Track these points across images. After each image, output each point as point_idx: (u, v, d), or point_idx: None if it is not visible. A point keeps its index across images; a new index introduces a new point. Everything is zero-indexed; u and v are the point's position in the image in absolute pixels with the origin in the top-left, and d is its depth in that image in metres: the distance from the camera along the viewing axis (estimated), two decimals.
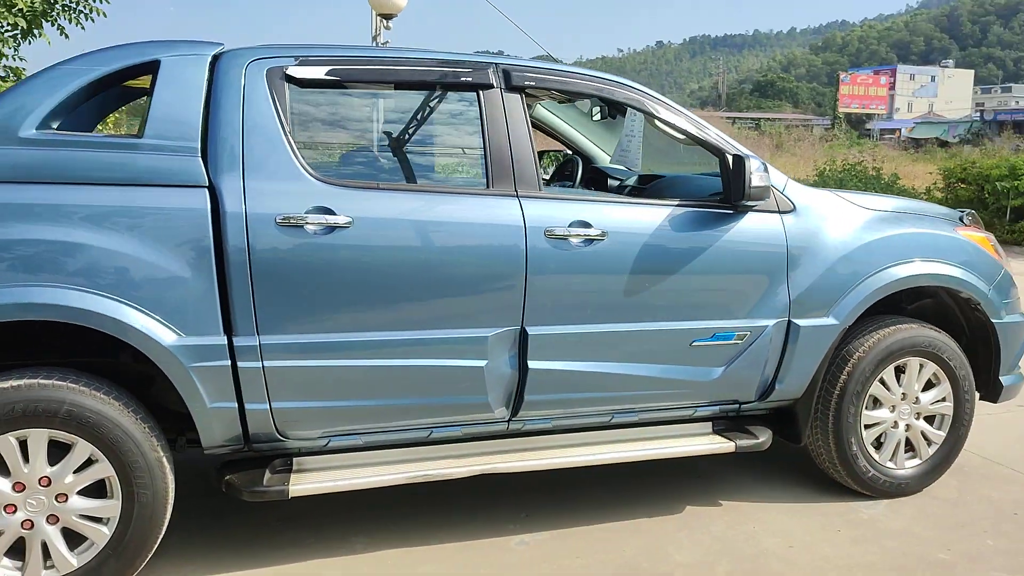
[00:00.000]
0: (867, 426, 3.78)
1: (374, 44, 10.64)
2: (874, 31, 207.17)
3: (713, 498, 3.87)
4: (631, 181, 4.56)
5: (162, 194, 2.81)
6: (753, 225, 3.49)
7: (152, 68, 2.95)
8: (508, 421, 3.34)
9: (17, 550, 2.76)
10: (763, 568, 3.25)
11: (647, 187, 4.28)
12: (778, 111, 69.57)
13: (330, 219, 2.93)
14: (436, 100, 3.77)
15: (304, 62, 3.07)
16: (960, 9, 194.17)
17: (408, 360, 3.08)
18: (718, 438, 3.62)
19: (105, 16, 9.13)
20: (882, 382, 3.78)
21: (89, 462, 2.79)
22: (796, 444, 3.85)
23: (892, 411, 3.82)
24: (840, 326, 3.62)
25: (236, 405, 2.92)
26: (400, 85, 3.38)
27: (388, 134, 3.98)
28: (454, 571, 3.21)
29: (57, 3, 8.68)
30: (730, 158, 3.40)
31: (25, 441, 2.71)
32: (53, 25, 8.81)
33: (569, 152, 5.16)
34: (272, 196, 2.90)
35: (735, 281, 3.48)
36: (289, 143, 2.98)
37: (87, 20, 9.00)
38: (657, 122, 3.59)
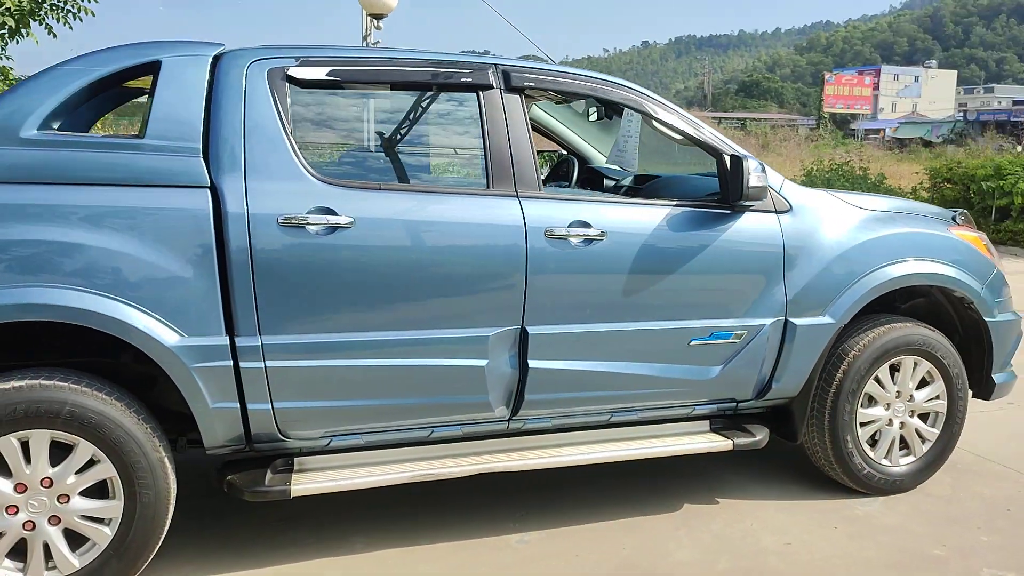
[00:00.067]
0: (862, 424, 3.81)
1: (364, 44, 10.63)
2: (858, 31, 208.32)
3: (710, 496, 3.90)
4: (627, 181, 4.58)
5: (164, 194, 2.81)
6: (750, 225, 3.52)
7: (153, 69, 2.95)
8: (508, 420, 3.35)
9: (19, 551, 2.75)
10: (762, 565, 3.27)
11: (643, 187, 4.30)
12: (764, 111, 69.84)
13: (332, 219, 2.93)
14: (436, 101, 3.78)
15: (305, 63, 3.08)
16: (943, 10, 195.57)
17: (409, 360, 3.09)
18: (716, 436, 3.65)
19: (93, 15, 9.08)
20: (877, 380, 3.81)
21: (91, 463, 2.79)
22: (792, 442, 3.88)
23: (887, 409, 3.86)
24: (836, 325, 3.65)
25: (238, 405, 2.93)
26: (400, 86, 3.39)
27: (389, 135, 3.99)
28: (454, 570, 3.22)
29: (45, 2, 8.63)
30: (728, 158, 3.42)
31: (27, 442, 2.71)
32: (41, 24, 8.76)
33: (564, 152, 5.18)
34: (274, 196, 2.90)
35: (733, 280, 3.51)
36: (290, 143, 2.98)
37: (75, 20, 8.95)
38: (655, 123, 3.61)
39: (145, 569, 2.96)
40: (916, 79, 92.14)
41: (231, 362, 2.87)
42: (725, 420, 3.78)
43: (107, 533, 2.83)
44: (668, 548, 3.40)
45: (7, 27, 8.29)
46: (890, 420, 3.88)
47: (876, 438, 3.88)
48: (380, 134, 4.04)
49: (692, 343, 3.47)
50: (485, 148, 3.23)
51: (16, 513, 2.72)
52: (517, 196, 3.21)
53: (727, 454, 3.86)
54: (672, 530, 3.56)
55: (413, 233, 3.06)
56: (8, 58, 8.96)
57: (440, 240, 3.09)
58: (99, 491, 2.83)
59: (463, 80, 3.27)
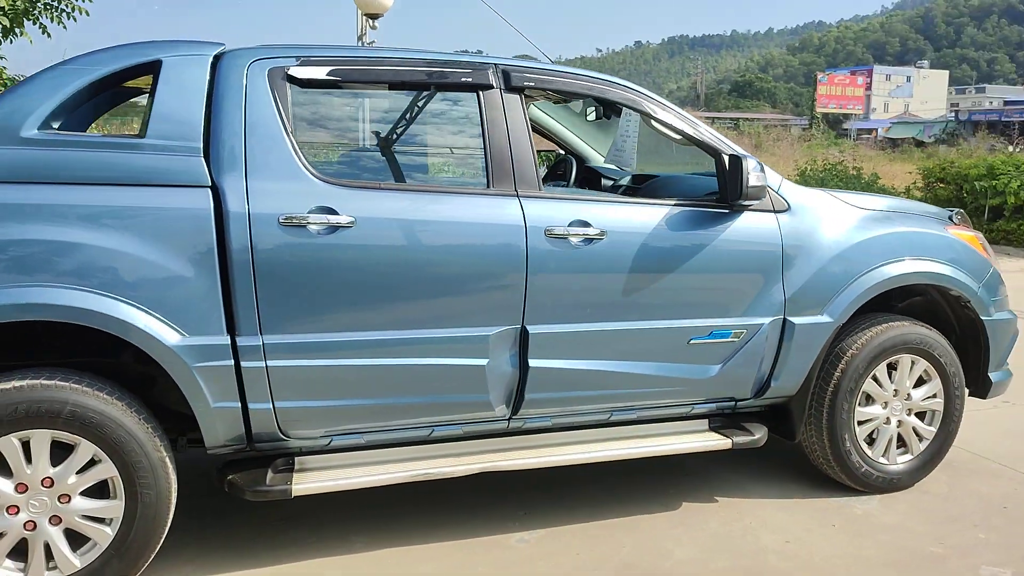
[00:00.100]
0: (860, 422, 3.83)
1: (360, 44, 10.62)
2: (850, 32, 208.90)
3: (709, 495, 3.91)
4: (625, 181, 4.60)
5: (165, 194, 2.81)
6: (749, 224, 3.53)
7: (154, 68, 2.94)
8: (508, 419, 3.36)
9: (19, 551, 2.75)
10: (762, 563, 3.28)
11: (641, 187, 4.31)
12: (757, 111, 69.98)
13: (332, 219, 2.93)
14: (437, 101, 3.78)
15: (305, 62, 3.08)
16: (935, 10, 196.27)
17: (410, 359, 3.09)
18: (715, 435, 3.66)
19: (88, 15, 9.08)
20: (875, 379, 3.83)
21: (92, 462, 2.78)
22: (791, 441, 3.90)
23: (884, 407, 3.88)
24: (834, 324, 3.67)
25: (239, 405, 2.93)
26: (401, 86, 3.39)
27: (389, 134, 3.99)
28: (454, 569, 3.23)
29: (39, 2, 8.62)
30: (727, 158, 3.44)
31: (28, 442, 2.70)
32: (35, 24, 8.76)
33: (562, 152, 5.18)
34: (275, 196, 2.90)
35: (732, 280, 3.52)
36: (291, 143, 2.98)
37: (69, 19, 8.94)
38: (654, 122, 3.62)
39: (146, 569, 2.96)
40: (908, 79, 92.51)
41: (232, 361, 2.87)
42: (724, 419, 3.79)
43: (108, 533, 2.82)
44: (667, 547, 3.41)
45: (1, 26, 8.27)
46: (888, 418, 3.89)
47: (874, 436, 3.90)
48: (380, 134, 4.04)
49: (691, 342, 3.48)
50: (485, 148, 3.24)
51: (17, 513, 2.71)
52: (517, 195, 3.22)
53: (725, 453, 3.87)
54: (671, 529, 3.57)
55: (413, 233, 3.06)
56: (1, 57, 8.94)
57: (440, 240, 3.10)
58: (100, 491, 2.82)
59: (463, 80, 3.27)
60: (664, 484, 4.01)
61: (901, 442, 3.96)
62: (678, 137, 3.64)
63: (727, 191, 3.44)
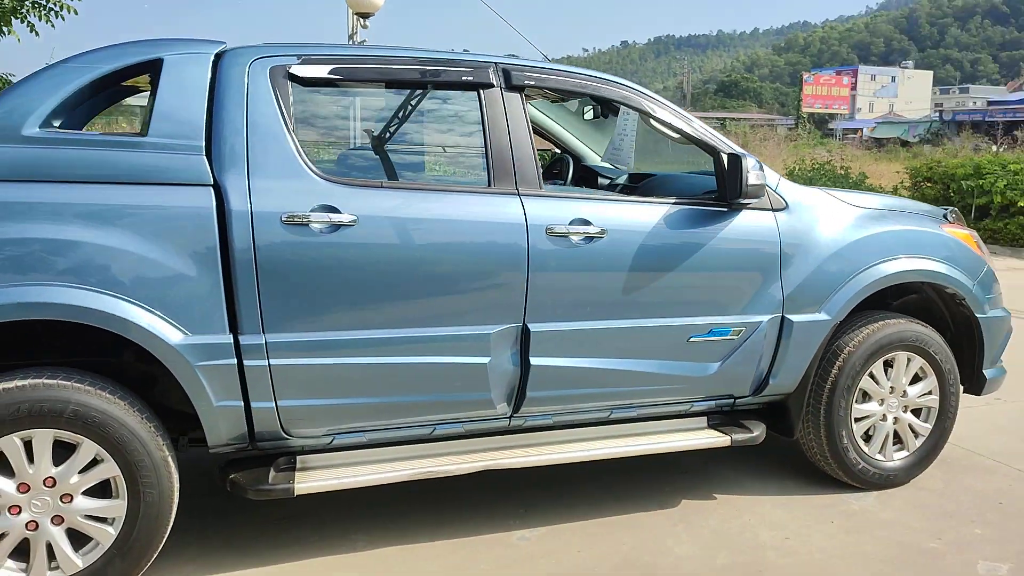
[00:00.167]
0: (857, 419, 3.85)
1: (351, 43, 10.59)
2: (835, 32, 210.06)
3: (707, 492, 3.93)
4: (622, 180, 4.61)
5: (167, 193, 2.80)
6: (748, 223, 3.55)
7: (155, 67, 2.93)
8: (510, 417, 3.36)
9: (21, 551, 2.73)
10: (762, 559, 3.30)
11: (639, 185, 4.33)
12: (743, 111, 70.19)
13: (335, 217, 2.93)
14: (438, 99, 3.78)
15: (307, 61, 3.07)
16: (919, 11, 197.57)
17: (412, 357, 3.10)
18: (714, 432, 3.68)
19: (76, 14, 9.01)
20: (871, 376, 3.85)
21: (94, 462, 2.77)
22: (789, 438, 3.92)
23: (881, 404, 3.91)
24: (832, 321, 3.69)
25: (242, 403, 2.92)
26: (401, 84, 3.39)
27: (391, 133, 3.99)
28: (455, 567, 3.23)
29: (27, 0, 8.55)
30: (726, 157, 3.45)
31: (30, 441, 2.69)
32: (23, 22, 8.68)
33: (557, 151, 5.19)
34: (277, 195, 2.90)
35: (731, 278, 3.54)
36: (293, 141, 2.98)
37: (57, 18, 8.88)
38: (653, 121, 3.64)
39: (148, 568, 2.95)
40: (893, 79, 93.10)
41: (235, 360, 2.87)
42: (723, 416, 3.81)
43: (110, 532, 2.81)
44: (667, 544, 3.42)
45: None
46: (884, 415, 3.92)
47: (870, 433, 3.92)
48: (382, 132, 4.04)
49: (691, 340, 3.50)
50: (486, 146, 3.24)
51: (19, 513, 2.70)
52: (518, 194, 3.23)
53: (724, 450, 3.89)
54: (671, 526, 3.58)
55: (415, 231, 3.06)
56: None
57: (442, 238, 3.10)
58: (102, 490, 2.81)
59: (464, 79, 3.28)
60: (663, 482, 4.03)
61: (897, 439, 3.99)
62: (677, 136, 3.65)
63: (726, 190, 3.45)
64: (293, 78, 3.05)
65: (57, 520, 2.75)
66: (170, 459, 2.89)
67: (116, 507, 2.81)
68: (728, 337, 3.55)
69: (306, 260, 2.91)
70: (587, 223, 3.28)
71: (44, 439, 2.69)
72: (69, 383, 2.72)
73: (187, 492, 3.16)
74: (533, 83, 3.40)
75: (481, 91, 3.28)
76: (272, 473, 3.08)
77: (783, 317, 3.62)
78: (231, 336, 2.86)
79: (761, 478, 4.11)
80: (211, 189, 2.84)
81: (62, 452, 2.73)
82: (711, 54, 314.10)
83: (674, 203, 3.48)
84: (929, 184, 15.07)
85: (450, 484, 3.70)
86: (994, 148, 28.63)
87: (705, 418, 3.76)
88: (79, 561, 2.79)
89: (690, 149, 3.69)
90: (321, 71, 3.09)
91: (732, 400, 3.73)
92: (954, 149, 28.01)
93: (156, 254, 2.75)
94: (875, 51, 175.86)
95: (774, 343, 3.64)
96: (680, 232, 3.44)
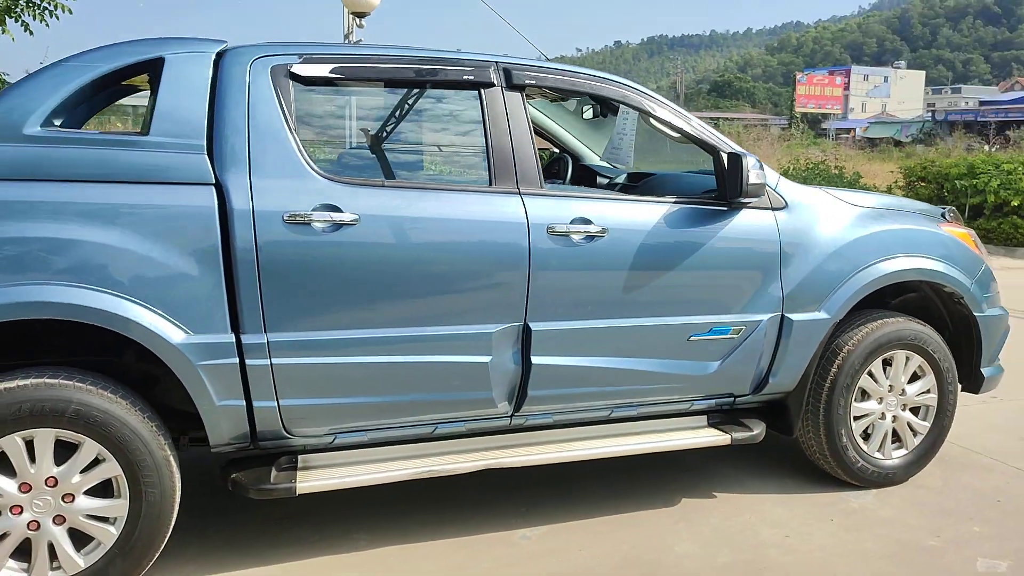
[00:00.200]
0: (856, 418, 3.86)
1: (347, 42, 10.58)
2: (828, 32, 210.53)
3: (708, 491, 3.94)
4: (621, 179, 4.62)
5: (168, 192, 2.80)
6: (748, 222, 3.56)
7: (156, 66, 2.93)
8: (511, 416, 3.36)
9: (23, 551, 2.73)
10: (763, 557, 3.31)
11: (638, 184, 4.33)
12: (736, 111, 70.32)
13: (336, 216, 2.93)
14: (438, 98, 3.79)
15: (308, 60, 3.07)
16: (911, 11, 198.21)
17: (414, 356, 3.10)
18: (714, 431, 3.69)
19: (71, 13, 8.98)
20: (870, 375, 3.87)
21: (96, 461, 2.77)
22: (788, 436, 3.93)
23: (880, 403, 3.92)
24: (831, 320, 3.70)
25: (244, 403, 2.92)
26: (403, 83, 3.39)
27: (391, 132, 3.99)
28: (457, 566, 3.23)
29: None
30: (726, 156, 3.46)
31: (31, 441, 2.68)
32: (17, 21, 8.65)
33: (556, 150, 5.19)
34: (279, 194, 2.89)
35: (731, 277, 3.55)
36: (295, 140, 2.98)
37: (52, 17, 8.84)
38: (653, 120, 3.64)
39: (150, 568, 2.94)
40: (885, 79, 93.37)
41: (237, 359, 2.86)
42: (723, 415, 3.82)
43: (112, 532, 2.81)
44: (669, 542, 3.43)
45: None
46: (883, 414, 3.93)
47: (869, 432, 3.93)
48: (382, 132, 4.04)
49: (691, 338, 3.50)
50: (487, 145, 3.24)
51: (20, 513, 2.69)
52: (519, 193, 3.23)
53: (724, 449, 3.90)
54: (672, 524, 3.59)
55: (416, 230, 3.06)
56: None
57: (442, 237, 3.10)
58: (104, 490, 2.81)
59: (465, 78, 3.28)
60: (664, 480, 4.04)
61: (896, 437, 4.00)
62: (677, 135, 3.65)
63: (727, 189, 3.46)
64: (294, 77, 3.04)
65: (59, 520, 2.74)
66: (172, 458, 2.88)
67: (118, 507, 2.80)
68: (728, 336, 3.56)
69: (308, 259, 2.91)
70: (588, 222, 3.28)
71: (46, 439, 2.69)
72: (71, 383, 2.71)
73: (188, 491, 3.16)
74: (534, 82, 3.40)
75: (482, 90, 3.28)
76: (274, 472, 3.08)
77: (783, 316, 3.63)
78: (233, 335, 2.86)
79: (761, 476, 4.12)
80: (213, 188, 2.83)
81: (64, 452, 2.73)
82: (704, 54, 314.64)
83: (674, 202, 3.49)
84: (923, 184, 15.13)
85: (451, 483, 3.70)
86: (987, 148, 28.72)
87: (705, 417, 3.77)
88: (81, 561, 2.78)
89: (689, 148, 3.70)
90: (323, 70, 3.09)
91: (732, 399, 3.74)
92: (947, 149, 28.08)
93: (158, 253, 2.75)
94: (868, 51, 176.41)
95: (774, 342, 3.65)
96: (680, 231, 3.45)
